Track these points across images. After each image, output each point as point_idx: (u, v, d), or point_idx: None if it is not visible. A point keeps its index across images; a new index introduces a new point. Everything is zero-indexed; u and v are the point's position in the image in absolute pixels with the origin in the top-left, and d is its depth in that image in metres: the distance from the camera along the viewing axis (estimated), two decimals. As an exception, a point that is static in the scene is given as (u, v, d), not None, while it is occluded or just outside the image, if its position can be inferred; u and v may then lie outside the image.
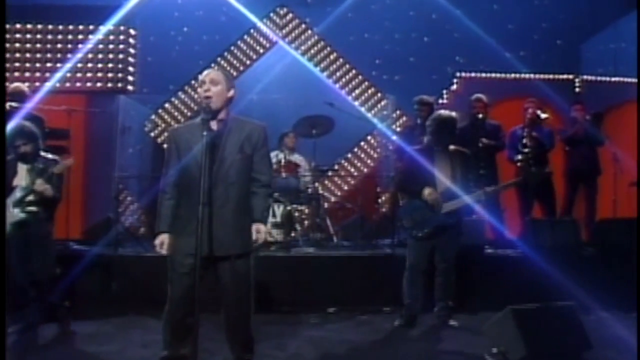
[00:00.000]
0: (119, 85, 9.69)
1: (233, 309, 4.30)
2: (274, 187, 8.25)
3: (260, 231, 4.25)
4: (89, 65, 9.62)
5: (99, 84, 9.65)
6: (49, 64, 9.61)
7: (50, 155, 5.94)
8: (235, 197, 4.19)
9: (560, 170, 8.99)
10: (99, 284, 7.07)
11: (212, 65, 10.05)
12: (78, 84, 9.57)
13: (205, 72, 4.33)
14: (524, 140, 8.37)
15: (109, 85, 9.66)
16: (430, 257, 6.28)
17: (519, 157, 8.34)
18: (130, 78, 9.80)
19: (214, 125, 4.23)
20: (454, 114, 6.44)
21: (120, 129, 9.32)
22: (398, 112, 10.33)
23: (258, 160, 4.31)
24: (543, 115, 8.44)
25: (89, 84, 9.62)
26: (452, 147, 6.32)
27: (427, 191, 6.11)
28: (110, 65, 9.69)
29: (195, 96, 4.46)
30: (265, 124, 4.41)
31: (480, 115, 8.47)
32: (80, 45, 9.56)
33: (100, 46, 9.65)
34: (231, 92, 4.31)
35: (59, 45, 9.67)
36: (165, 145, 5.25)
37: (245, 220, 4.26)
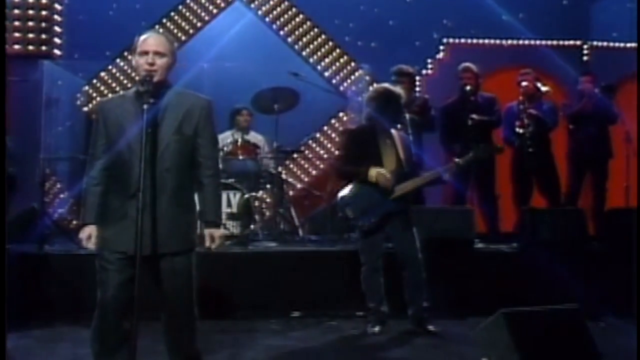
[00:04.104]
0: (43, 48, 9.60)
1: (173, 316, 4.27)
2: (228, 172, 8.29)
3: (215, 237, 4.26)
4: (5, 23, 9.47)
5: (16, 47, 9.54)
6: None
7: None
8: (171, 186, 4.13)
9: (564, 152, 9.06)
10: (20, 289, 6.97)
11: (157, 26, 9.99)
12: (-9, 47, 9.45)
13: (145, 38, 4.21)
14: (520, 119, 8.40)
15: (30, 48, 9.57)
16: (387, 252, 6.40)
17: (515, 138, 8.37)
18: (56, 40, 9.71)
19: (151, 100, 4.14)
20: (401, 91, 6.61)
21: (45, 102, 9.23)
22: (375, 84, 10.34)
23: (202, 142, 4.21)
24: (543, 88, 8.49)
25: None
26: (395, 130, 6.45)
27: (374, 172, 6.18)
28: (31, 23, 9.59)
29: (134, 65, 4.32)
30: (210, 98, 4.31)
31: (468, 87, 8.46)
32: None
33: (18, 0, 9.51)
34: (174, 62, 4.26)
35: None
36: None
37: (185, 213, 4.22)
